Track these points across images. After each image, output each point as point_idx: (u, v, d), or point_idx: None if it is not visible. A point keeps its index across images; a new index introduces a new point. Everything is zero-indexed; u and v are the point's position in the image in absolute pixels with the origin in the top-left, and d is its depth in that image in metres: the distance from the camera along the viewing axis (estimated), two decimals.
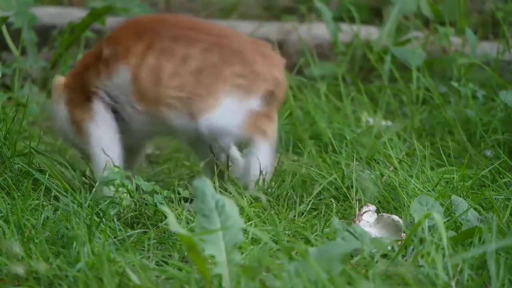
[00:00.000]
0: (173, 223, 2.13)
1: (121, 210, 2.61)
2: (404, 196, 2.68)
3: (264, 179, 2.67)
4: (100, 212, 2.54)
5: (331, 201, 2.75)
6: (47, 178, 2.66)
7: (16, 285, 2.24)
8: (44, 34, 4.07)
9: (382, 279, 2.20)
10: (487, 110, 3.39)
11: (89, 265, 2.23)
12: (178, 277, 2.22)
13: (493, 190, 2.79)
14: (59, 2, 4.82)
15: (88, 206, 2.54)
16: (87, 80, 2.38)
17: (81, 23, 3.76)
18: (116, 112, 2.40)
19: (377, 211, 2.61)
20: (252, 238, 2.45)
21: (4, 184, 2.71)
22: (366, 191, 2.74)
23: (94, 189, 2.36)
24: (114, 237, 2.46)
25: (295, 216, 2.67)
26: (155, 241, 2.46)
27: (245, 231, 2.37)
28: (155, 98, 2.30)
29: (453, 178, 2.85)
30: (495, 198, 2.69)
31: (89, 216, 2.37)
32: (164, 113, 2.31)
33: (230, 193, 2.67)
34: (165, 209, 2.22)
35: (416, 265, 2.27)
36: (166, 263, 2.35)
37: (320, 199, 2.77)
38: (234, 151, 2.38)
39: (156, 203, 2.60)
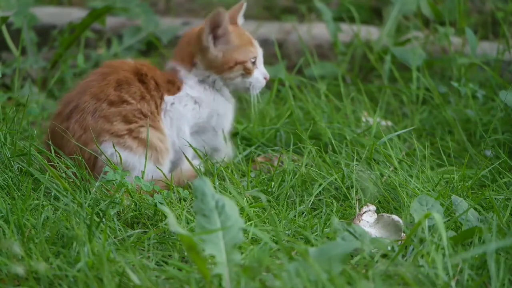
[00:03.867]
0: (173, 223, 2.13)
1: (121, 210, 2.61)
2: (404, 196, 2.68)
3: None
4: (100, 212, 2.54)
5: (331, 201, 2.75)
6: (47, 178, 2.66)
7: (16, 285, 2.24)
8: (44, 34, 4.08)
9: (382, 279, 2.20)
10: (487, 110, 3.39)
11: (89, 265, 2.23)
12: (178, 277, 2.22)
13: (493, 190, 2.79)
14: (59, 2, 4.82)
15: (88, 206, 2.54)
16: None
17: (81, 23, 3.77)
18: None
19: (377, 211, 2.61)
20: (252, 238, 2.45)
21: (4, 184, 2.71)
22: (366, 191, 2.74)
23: None
24: (114, 237, 2.46)
25: (295, 216, 2.67)
26: (155, 241, 2.46)
27: (245, 231, 2.37)
28: None
29: (453, 178, 2.85)
30: (495, 198, 2.69)
31: (89, 216, 2.37)
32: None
33: (230, 193, 2.67)
34: (165, 209, 2.23)
35: (416, 265, 2.27)
36: (166, 263, 2.35)
37: (320, 199, 2.77)
38: None
39: (156, 203, 2.60)
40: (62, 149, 2.78)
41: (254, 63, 2.94)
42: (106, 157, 2.75)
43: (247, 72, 2.93)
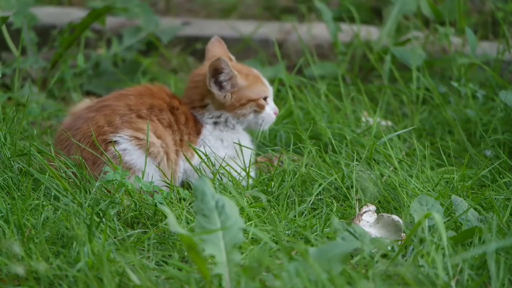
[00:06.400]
0: (173, 223, 2.13)
1: (121, 210, 2.61)
2: (404, 196, 2.68)
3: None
4: (100, 212, 2.54)
5: (331, 201, 2.75)
6: (47, 178, 2.66)
7: (16, 285, 2.24)
8: (44, 34, 4.08)
9: (382, 279, 2.20)
10: (487, 110, 3.39)
11: (89, 265, 2.23)
12: (178, 277, 2.22)
13: (493, 190, 2.79)
14: (59, 2, 4.82)
15: (88, 206, 2.54)
16: None
17: (81, 23, 3.76)
18: None
19: (377, 211, 2.61)
20: (252, 238, 2.45)
21: (4, 184, 2.71)
22: (366, 191, 2.74)
23: None
24: (114, 237, 2.46)
25: (295, 216, 2.67)
26: (155, 241, 2.46)
27: (245, 231, 2.37)
28: None
29: (453, 178, 2.85)
30: (495, 198, 2.69)
31: (89, 216, 2.37)
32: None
33: (230, 193, 2.67)
34: (165, 209, 2.23)
35: (416, 265, 2.27)
36: (166, 263, 2.35)
37: (320, 199, 2.77)
38: None
39: (156, 203, 2.60)
40: (78, 130, 2.81)
41: (265, 99, 2.99)
42: (116, 151, 2.76)
43: (260, 108, 2.98)
